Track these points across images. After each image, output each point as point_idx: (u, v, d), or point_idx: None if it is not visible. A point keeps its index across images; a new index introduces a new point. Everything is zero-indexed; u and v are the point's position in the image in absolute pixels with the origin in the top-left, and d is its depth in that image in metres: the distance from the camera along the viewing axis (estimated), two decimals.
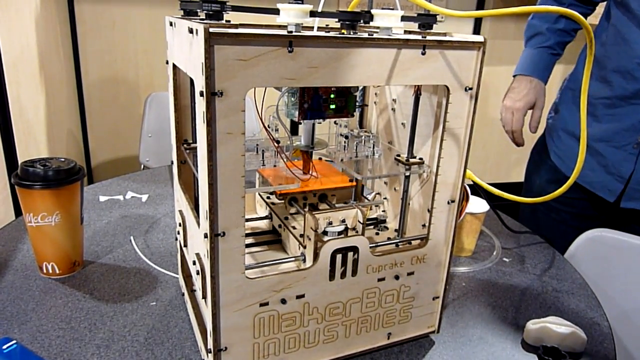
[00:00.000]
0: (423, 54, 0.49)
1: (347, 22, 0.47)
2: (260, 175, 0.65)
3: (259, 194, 0.72)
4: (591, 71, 1.03)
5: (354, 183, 0.63)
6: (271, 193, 0.69)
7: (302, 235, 0.57)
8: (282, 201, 0.63)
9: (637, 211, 1.02)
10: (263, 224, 0.71)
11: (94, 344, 0.59)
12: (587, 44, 0.51)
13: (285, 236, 0.64)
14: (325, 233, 0.57)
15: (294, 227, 0.62)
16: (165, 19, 0.58)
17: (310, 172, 0.63)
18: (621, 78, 0.97)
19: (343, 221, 0.57)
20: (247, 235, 0.67)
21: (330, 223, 0.57)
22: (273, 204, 0.67)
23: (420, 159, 0.61)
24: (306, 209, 0.57)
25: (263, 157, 0.57)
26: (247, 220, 0.70)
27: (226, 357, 0.51)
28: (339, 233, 0.57)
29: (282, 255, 0.62)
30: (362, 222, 0.56)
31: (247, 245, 0.64)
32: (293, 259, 0.58)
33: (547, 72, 1.14)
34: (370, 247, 0.54)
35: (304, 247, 0.55)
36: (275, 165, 0.59)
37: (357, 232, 0.57)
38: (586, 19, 1.14)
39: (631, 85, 0.96)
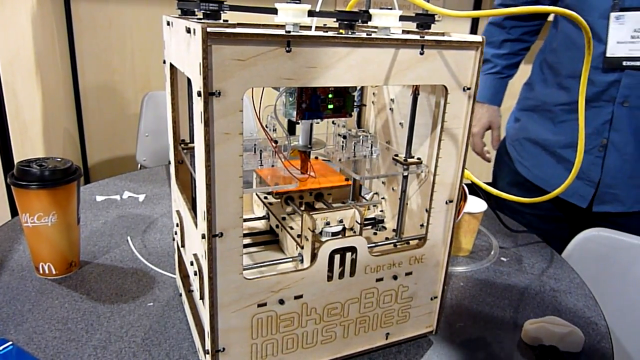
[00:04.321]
0: (421, 53, 0.49)
1: (345, 22, 0.47)
2: (257, 176, 0.65)
3: (256, 194, 0.72)
4: (547, 78, 1.06)
5: (350, 182, 0.63)
6: (268, 193, 0.68)
7: (299, 236, 0.57)
8: (279, 200, 0.63)
9: (607, 213, 1.02)
10: (260, 224, 0.70)
11: (91, 345, 0.59)
12: (585, 43, 0.51)
13: (282, 236, 0.63)
14: (322, 233, 0.57)
15: (291, 228, 0.62)
16: (163, 18, 0.58)
17: (308, 172, 0.63)
18: (577, 83, 0.97)
19: (341, 221, 0.57)
20: (245, 235, 0.66)
21: (327, 223, 0.57)
22: (270, 204, 0.67)
23: (419, 158, 0.60)
24: (303, 209, 0.57)
25: (261, 157, 0.57)
26: (244, 220, 0.70)
27: (224, 358, 0.51)
28: (337, 233, 0.57)
29: (279, 256, 0.62)
30: (359, 222, 0.56)
31: (244, 246, 0.64)
32: (291, 259, 0.58)
33: (498, 95, 1.18)
34: (369, 248, 0.54)
35: (302, 248, 0.55)
36: (273, 165, 0.59)
37: (354, 232, 0.57)
38: (539, 32, 1.16)
39: (588, 89, 0.97)
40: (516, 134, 1.15)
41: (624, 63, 0.91)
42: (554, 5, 1.08)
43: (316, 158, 0.69)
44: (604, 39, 0.92)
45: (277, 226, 0.65)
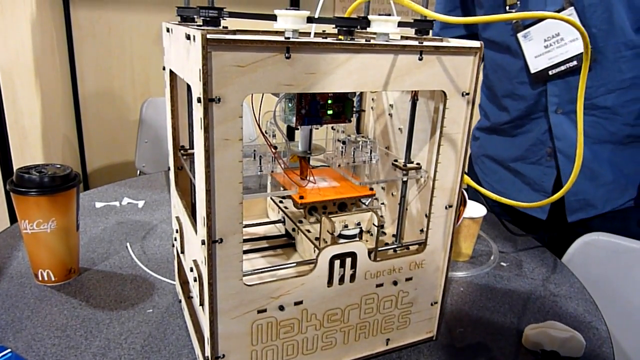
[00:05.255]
0: (420, 59, 0.49)
1: (344, 28, 0.47)
2: (272, 179, 0.65)
3: (271, 198, 0.72)
4: (490, 100, 1.11)
5: (374, 192, 0.63)
6: (283, 197, 0.68)
7: (317, 239, 0.57)
8: (301, 210, 0.62)
9: (582, 220, 1.01)
10: (274, 228, 0.70)
11: (90, 352, 0.58)
12: (584, 49, 0.52)
13: (299, 240, 0.63)
14: (341, 236, 0.56)
15: (308, 231, 0.61)
16: (162, 25, 0.58)
17: (308, 178, 0.63)
18: (512, 100, 1.01)
19: (358, 224, 0.57)
20: (259, 239, 0.66)
21: (345, 226, 0.57)
22: (286, 207, 0.67)
23: (418, 164, 0.61)
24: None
25: (260, 163, 0.57)
26: (259, 224, 0.70)
27: None
28: (354, 236, 0.57)
29: (295, 259, 0.62)
30: (377, 225, 0.56)
31: (259, 249, 0.64)
32: (295, 264, 0.58)
33: None
34: (369, 253, 0.54)
35: (320, 251, 0.55)
36: (272, 171, 0.59)
37: (371, 235, 0.57)
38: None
39: (522, 104, 0.99)
40: (477, 151, 1.18)
41: (550, 73, 0.93)
42: (471, 34, 1.12)
43: (339, 166, 0.69)
44: (520, 54, 0.95)
45: (293, 229, 0.65)
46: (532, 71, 0.94)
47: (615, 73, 0.89)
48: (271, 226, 0.71)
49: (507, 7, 0.93)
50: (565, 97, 0.93)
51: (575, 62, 0.90)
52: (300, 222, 0.64)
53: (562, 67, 0.91)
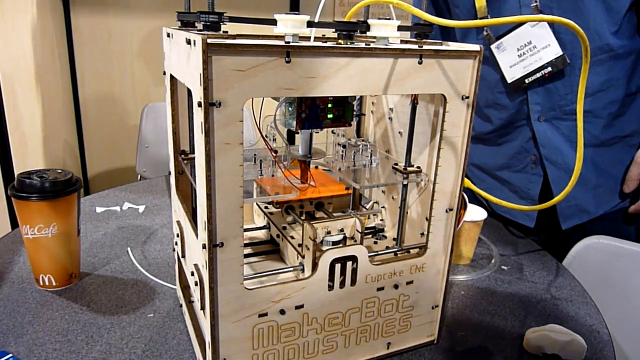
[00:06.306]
0: (420, 63, 0.49)
1: (344, 33, 0.47)
2: (257, 185, 0.65)
3: (257, 204, 0.72)
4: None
5: (350, 191, 0.64)
6: (269, 203, 0.68)
7: (300, 245, 0.57)
8: (279, 210, 0.63)
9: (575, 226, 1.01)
10: (261, 234, 0.70)
11: (91, 357, 0.58)
12: (583, 53, 0.52)
13: (283, 246, 0.63)
14: (323, 242, 0.57)
15: (292, 237, 0.62)
16: (163, 30, 0.58)
17: (308, 182, 0.63)
18: (494, 110, 1.02)
19: (341, 230, 0.57)
20: (245, 245, 0.66)
21: (328, 232, 0.57)
22: (271, 213, 0.67)
23: (418, 167, 0.61)
24: (303, 218, 0.57)
25: (261, 167, 0.57)
26: (245, 230, 0.70)
27: None
28: (338, 242, 0.57)
29: (280, 265, 0.62)
30: (360, 231, 0.56)
31: (245, 256, 0.64)
32: (292, 269, 0.58)
33: None
34: (369, 257, 0.54)
35: (303, 257, 0.55)
36: (273, 175, 0.59)
37: (355, 241, 0.57)
38: None
39: (504, 114, 1.00)
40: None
41: (526, 81, 0.93)
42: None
43: (316, 167, 0.69)
44: (497, 64, 0.96)
45: (277, 236, 0.65)
46: (509, 81, 0.95)
47: (592, 77, 0.89)
48: (257, 232, 0.71)
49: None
50: (547, 105, 0.94)
51: (549, 69, 0.90)
52: (284, 228, 0.64)
53: (538, 75, 0.92)
